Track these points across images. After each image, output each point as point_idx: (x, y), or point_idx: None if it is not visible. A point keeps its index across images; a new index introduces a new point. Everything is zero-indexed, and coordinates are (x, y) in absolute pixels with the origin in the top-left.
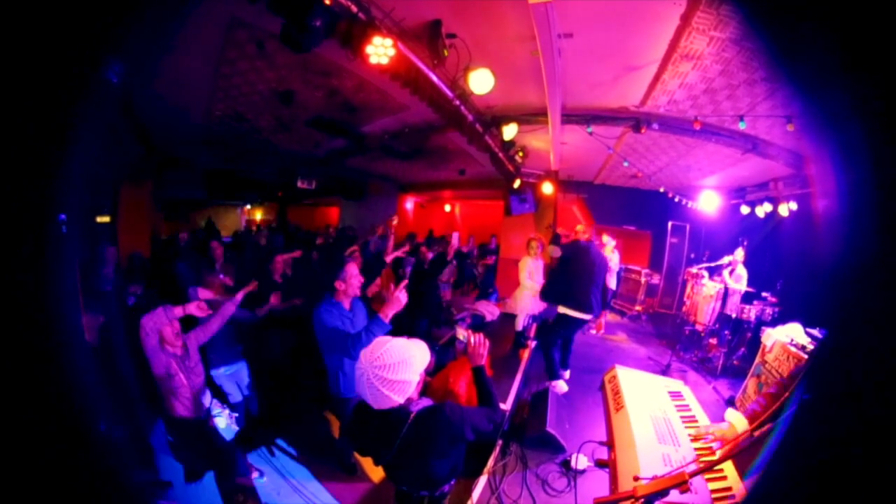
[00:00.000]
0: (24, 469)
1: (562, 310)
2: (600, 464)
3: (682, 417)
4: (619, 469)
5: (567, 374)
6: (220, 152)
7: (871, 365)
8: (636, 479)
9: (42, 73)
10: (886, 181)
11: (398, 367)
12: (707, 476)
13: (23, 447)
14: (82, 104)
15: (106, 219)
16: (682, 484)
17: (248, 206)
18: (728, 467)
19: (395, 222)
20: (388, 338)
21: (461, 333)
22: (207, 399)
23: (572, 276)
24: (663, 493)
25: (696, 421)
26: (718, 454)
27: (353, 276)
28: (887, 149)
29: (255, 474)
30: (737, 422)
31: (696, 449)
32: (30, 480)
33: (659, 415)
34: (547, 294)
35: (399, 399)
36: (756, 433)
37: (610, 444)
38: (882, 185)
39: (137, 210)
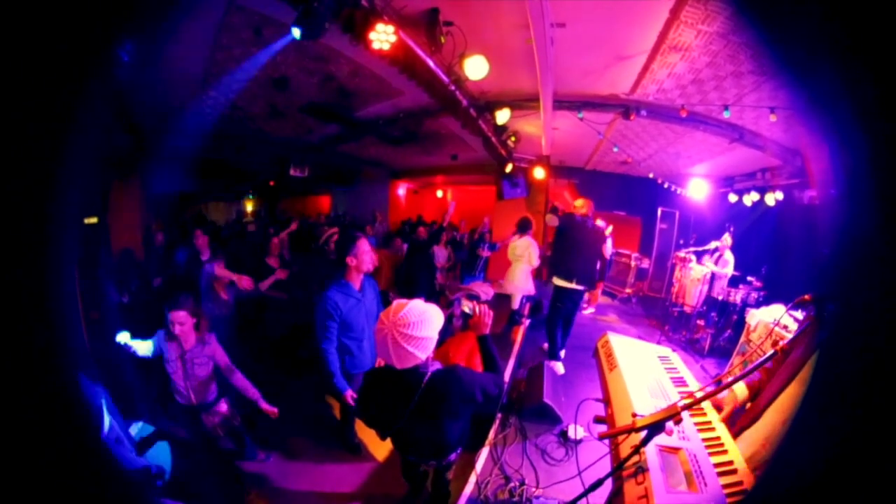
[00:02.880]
0: (24, 469)
1: (555, 280)
2: (598, 420)
3: (671, 378)
4: (616, 419)
5: (562, 352)
6: (210, 143)
7: (870, 354)
8: (634, 415)
9: (50, 48)
10: (879, 164)
11: (420, 324)
12: (699, 427)
13: (22, 447)
14: (91, 84)
15: (93, 220)
16: (675, 415)
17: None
18: (716, 422)
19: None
20: (407, 300)
21: (466, 305)
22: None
23: (565, 248)
24: (659, 425)
25: (684, 381)
26: (701, 395)
27: (365, 251)
28: (880, 132)
29: (260, 458)
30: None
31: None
32: (29, 480)
33: (650, 375)
34: (548, 266)
35: (422, 356)
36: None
37: (606, 401)
38: (875, 168)
39: (129, 206)
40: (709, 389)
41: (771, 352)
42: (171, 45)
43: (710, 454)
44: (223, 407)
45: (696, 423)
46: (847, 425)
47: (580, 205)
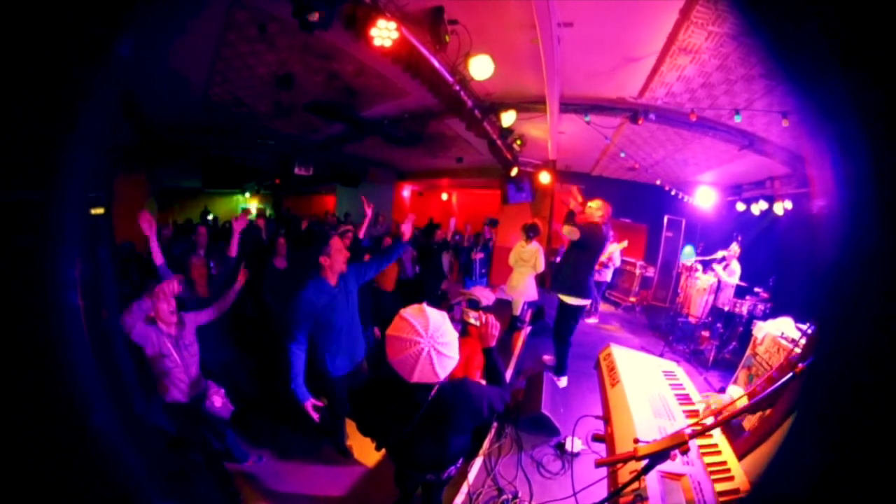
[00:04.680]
0: (24, 467)
1: (570, 300)
2: (597, 438)
3: (676, 395)
4: (616, 441)
5: None
6: (216, 139)
7: (867, 363)
8: (636, 441)
9: (49, 43)
10: (884, 176)
11: (449, 330)
12: (703, 450)
13: (22, 444)
14: (91, 80)
15: (100, 210)
16: (682, 444)
17: (246, 195)
18: (724, 445)
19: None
20: (416, 306)
21: (472, 316)
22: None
23: (583, 262)
24: (664, 454)
25: (689, 398)
26: (711, 421)
27: (337, 250)
28: (885, 143)
29: (252, 460)
30: (736, 394)
31: (691, 424)
32: (29, 478)
33: (654, 391)
34: (556, 282)
35: (456, 356)
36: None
37: (606, 419)
38: (879, 180)
39: (133, 200)
40: (719, 418)
41: (790, 375)
42: (177, 42)
43: (715, 481)
44: (217, 390)
45: (700, 446)
46: (839, 437)
47: (596, 207)
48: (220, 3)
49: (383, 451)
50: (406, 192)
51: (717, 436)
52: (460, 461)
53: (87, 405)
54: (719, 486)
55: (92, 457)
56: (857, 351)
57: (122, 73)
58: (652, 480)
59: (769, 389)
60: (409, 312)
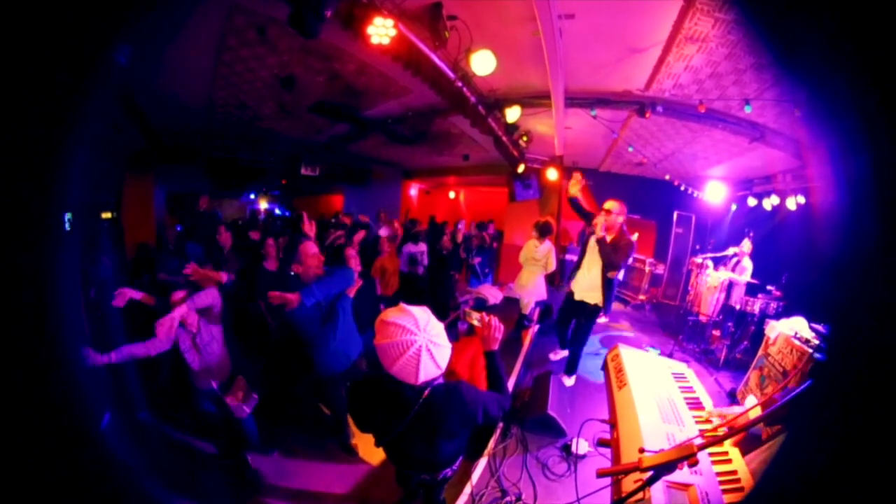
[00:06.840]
0: (24, 470)
1: (596, 301)
2: (602, 443)
3: (686, 399)
4: (622, 447)
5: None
6: (222, 142)
7: (875, 361)
8: (641, 450)
9: (46, 51)
10: (885, 174)
11: (435, 322)
12: (713, 458)
13: (22, 447)
14: (89, 86)
15: (108, 215)
16: (690, 456)
17: (252, 196)
18: (734, 453)
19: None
20: (394, 308)
21: (474, 317)
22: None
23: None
24: (670, 465)
25: (699, 403)
26: (723, 431)
27: (309, 255)
28: (886, 141)
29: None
30: (750, 404)
31: (701, 431)
32: (30, 482)
33: (663, 395)
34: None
35: (449, 344)
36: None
37: (612, 423)
38: (881, 178)
39: (142, 203)
40: (731, 427)
41: (809, 381)
42: (178, 49)
43: (725, 492)
44: (241, 384)
45: (710, 454)
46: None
47: (617, 210)
48: (219, 8)
49: None
50: (413, 190)
51: (727, 443)
52: (457, 463)
53: (90, 406)
54: (729, 498)
55: (95, 456)
56: (861, 350)
57: (120, 79)
58: (657, 491)
59: (786, 398)
60: (392, 316)
